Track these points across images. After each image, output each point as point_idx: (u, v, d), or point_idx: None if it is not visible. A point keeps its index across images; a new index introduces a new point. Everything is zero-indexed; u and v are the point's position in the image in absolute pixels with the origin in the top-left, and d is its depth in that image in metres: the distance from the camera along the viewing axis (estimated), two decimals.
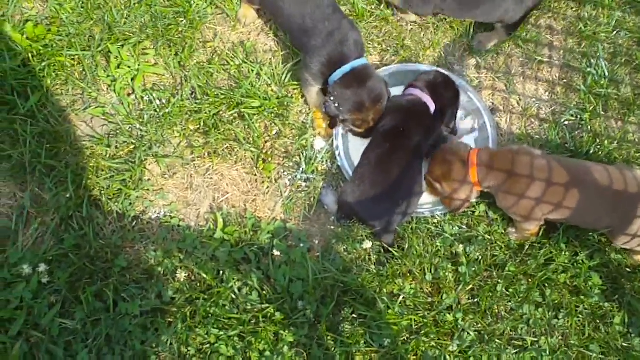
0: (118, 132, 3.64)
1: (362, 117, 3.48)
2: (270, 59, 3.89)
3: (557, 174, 3.21)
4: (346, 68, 3.46)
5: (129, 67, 3.78)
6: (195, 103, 3.71)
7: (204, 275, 3.32)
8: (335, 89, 3.46)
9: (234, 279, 3.32)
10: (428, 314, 3.32)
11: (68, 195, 3.43)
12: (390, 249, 3.41)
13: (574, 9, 4.12)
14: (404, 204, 3.35)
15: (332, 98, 3.47)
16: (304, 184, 3.64)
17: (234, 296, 3.31)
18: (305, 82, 3.64)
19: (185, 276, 3.31)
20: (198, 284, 3.35)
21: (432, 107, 3.51)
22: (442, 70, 3.71)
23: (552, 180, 3.20)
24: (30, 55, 3.71)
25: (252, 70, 3.80)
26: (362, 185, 3.37)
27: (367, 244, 3.40)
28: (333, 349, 3.22)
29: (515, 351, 3.28)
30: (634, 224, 3.24)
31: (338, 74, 3.47)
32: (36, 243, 3.38)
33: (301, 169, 3.64)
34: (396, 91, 3.68)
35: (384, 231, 3.39)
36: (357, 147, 3.61)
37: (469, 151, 3.35)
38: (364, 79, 3.46)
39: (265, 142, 3.70)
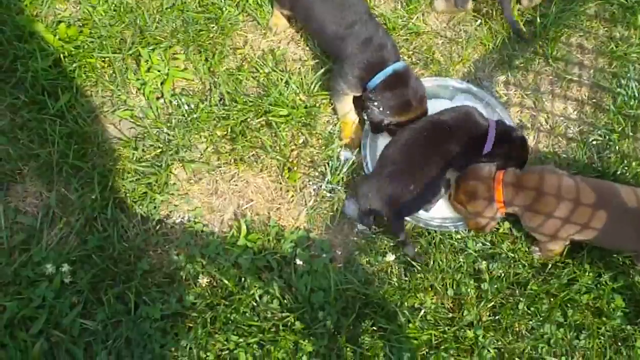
0: (145, 135, 3.66)
1: (409, 117, 3.47)
2: (299, 68, 3.89)
3: (584, 194, 3.19)
4: (388, 70, 3.45)
5: (159, 71, 3.80)
6: (224, 109, 3.73)
7: (226, 282, 3.32)
8: (379, 91, 3.45)
9: (255, 287, 3.33)
10: (448, 329, 3.30)
11: (93, 197, 3.44)
12: (413, 262, 3.40)
13: (605, 29, 4.10)
14: (418, 194, 3.36)
15: (375, 103, 3.46)
16: (328, 194, 3.63)
17: (254, 304, 3.31)
18: (338, 91, 3.62)
19: (207, 282, 3.31)
20: (219, 290, 3.35)
21: (488, 147, 3.45)
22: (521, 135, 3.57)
23: (579, 200, 3.18)
24: (61, 55, 3.75)
25: (281, 79, 3.81)
26: (382, 161, 3.42)
27: (390, 257, 3.40)
28: None
29: None
30: None
31: (380, 76, 3.45)
32: (60, 243, 3.40)
33: (326, 179, 3.64)
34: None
35: (394, 217, 3.38)
36: None
37: (493, 172, 3.33)
38: (406, 79, 3.46)
39: (292, 150, 3.71)
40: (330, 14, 3.52)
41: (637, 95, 3.87)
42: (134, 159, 3.60)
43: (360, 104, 3.65)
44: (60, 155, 3.51)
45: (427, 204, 3.47)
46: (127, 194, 3.51)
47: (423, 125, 3.44)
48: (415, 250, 3.44)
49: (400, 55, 3.64)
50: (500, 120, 3.57)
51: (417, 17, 4.06)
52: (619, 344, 3.36)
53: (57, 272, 3.23)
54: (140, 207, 3.50)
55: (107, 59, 3.81)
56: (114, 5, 3.95)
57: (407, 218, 3.47)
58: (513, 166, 3.38)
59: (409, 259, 3.42)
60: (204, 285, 3.31)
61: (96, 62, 3.79)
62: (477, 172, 3.35)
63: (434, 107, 3.64)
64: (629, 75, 3.93)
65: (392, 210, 3.35)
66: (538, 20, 4.00)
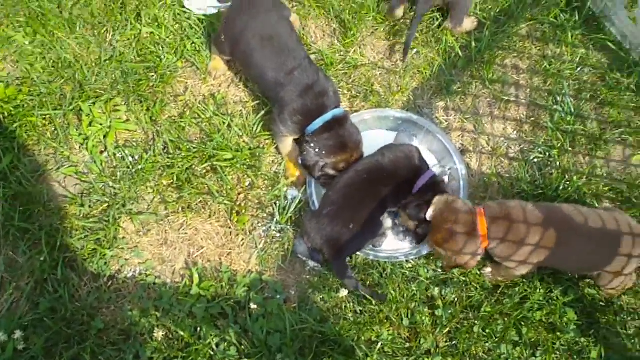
0: (91, 190, 3.66)
1: (345, 157, 3.50)
2: (241, 110, 3.92)
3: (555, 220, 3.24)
4: (327, 116, 3.48)
5: (101, 124, 3.80)
6: (168, 158, 3.74)
7: (182, 333, 3.32)
8: (316, 134, 3.48)
9: (211, 335, 3.33)
10: (407, 359, 3.33)
11: (42, 258, 3.43)
12: (367, 295, 3.42)
13: (538, 48, 4.18)
14: (358, 234, 3.38)
15: (311, 145, 3.49)
16: (278, 235, 3.66)
17: (212, 353, 3.31)
18: (278, 134, 3.65)
19: (162, 335, 3.30)
20: (176, 342, 3.35)
21: (416, 188, 3.45)
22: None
23: (555, 226, 3.21)
24: (1, 117, 3.73)
25: (224, 123, 3.83)
26: (324, 201, 3.46)
27: (343, 292, 3.42)
28: None
29: None
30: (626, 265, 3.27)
31: (319, 122, 3.48)
32: (11, 309, 3.38)
33: (275, 220, 3.66)
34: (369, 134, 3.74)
35: (335, 257, 3.39)
36: None
37: (469, 205, 3.29)
38: (344, 122, 3.50)
39: (239, 194, 3.72)
40: (270, 61, 3.53)
41: (573, 110, 3.95)
42: (81, 215, 3.59)
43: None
44: (6, 218, 3.50)
45: (368, 242, 3.50)
46: (77, 252, 3.50)
47: (363, 168, 3.46)
48: (365, 287, 3.46)
49: (340, 99, 3.67)
50: (439, 175, 3.60)
51: (354, 50, 4.11)
52: (575, 357, 3.41)
53: (10, 340, 3.20)
54: (91, 264, 3.49)
55: (48, 116, 3.80)
56: (52, 61, 3.95)
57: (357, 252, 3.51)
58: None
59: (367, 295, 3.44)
60: (159, 338, 3.29)
61: (37, 120, 3.78)
62: (452, 206, 3.28)
63: (376, 138, 3.75)
64: (564, 91, 4.01)
65: (332, 250, 3.37)
66: (473, 44, 4.07)
